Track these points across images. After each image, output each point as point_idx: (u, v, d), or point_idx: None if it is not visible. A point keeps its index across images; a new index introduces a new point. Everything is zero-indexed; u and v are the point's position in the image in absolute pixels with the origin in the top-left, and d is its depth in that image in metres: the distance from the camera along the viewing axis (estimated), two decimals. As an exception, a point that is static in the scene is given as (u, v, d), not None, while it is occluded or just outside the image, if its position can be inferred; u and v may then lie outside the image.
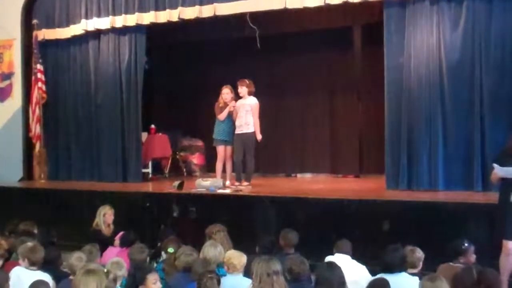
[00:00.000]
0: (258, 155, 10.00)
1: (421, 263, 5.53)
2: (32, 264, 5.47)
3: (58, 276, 5.42)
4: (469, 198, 7.76)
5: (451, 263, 5.60)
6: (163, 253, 6.16)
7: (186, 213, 8.69)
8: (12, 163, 11.95)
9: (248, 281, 4.81)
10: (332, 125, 12.60)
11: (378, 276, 5.02)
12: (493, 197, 7.81)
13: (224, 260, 5.43)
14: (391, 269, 5.04)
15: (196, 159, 13.06)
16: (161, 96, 13.73)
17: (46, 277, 5.19)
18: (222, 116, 9.73)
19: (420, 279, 5.07)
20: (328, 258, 5.61)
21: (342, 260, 5.59)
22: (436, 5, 8.72)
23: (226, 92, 9.77)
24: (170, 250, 5.96)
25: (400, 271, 5.09)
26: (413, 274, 5.19)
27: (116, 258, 5.68)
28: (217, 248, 5.71)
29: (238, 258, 5.31)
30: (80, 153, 11.67)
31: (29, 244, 5.68)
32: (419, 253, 5.53)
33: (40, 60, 11.72)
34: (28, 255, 5.51)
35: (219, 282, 4.68)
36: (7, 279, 4.89)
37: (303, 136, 12.85)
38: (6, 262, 6.01)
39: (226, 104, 9.72)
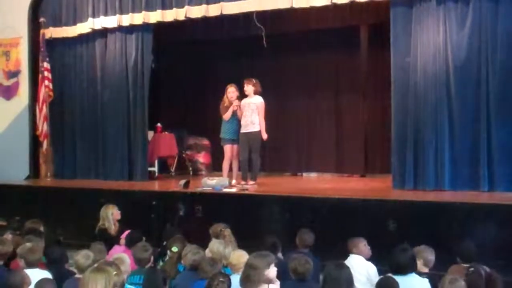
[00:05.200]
0: (264, 154, 10.01)
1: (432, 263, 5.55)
2: (29, 264, 5.45)
3: (63, 275, 5.42)
4: (475, 198, 7.73)
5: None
6: (168, 252, 6.17)
7: (192, 212, 8.70)
8: (18, 161, 11.99)
9: None
10: (338, 125, 12.57)
11: (386, 275, 5.01)
12: (499, 197, 7.84)
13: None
14: (401, 270, 5.02)
15: (202, 158, 13.07)
16: (168, 95, 13.72)
17: (46, 275, 5.18)
18: (226, 116, 9.76)
19: (429, 280, 5.08)
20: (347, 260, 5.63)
21: (357, 261, 5.65)
22: (442, 5, 8.70)
23: (231, 91, 9.80)
24: (174, 249, 5.96)
25: (410, 272, 5.07)
26: (422, 275, 5.17)
27: (118, 254, 5.69)
28: (225, 247, 5.72)
29: (237, 258, 5.30)
30: (86, 152, 11.70)
31: (28, 244, 5.66)
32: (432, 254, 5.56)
33: (47, 59, 11.74)
34: (26, 256, 5.50)
35: (229, 286, 4.66)
36: (23, 280, 4.85)
37: (309, 135, 12.83)
38: (12, 261, 6.02)
39: (231, 103, 9.73)
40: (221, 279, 4.63)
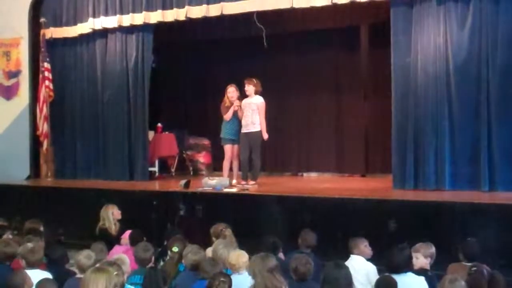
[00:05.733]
0: (264, 154, 9.99)
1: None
2: (30, 265, 5.44)
3: (64, 275, 5.41)
4: (476, 198, 7.72)
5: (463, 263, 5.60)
6: (169, 252, 6.17)
7: (192, 212, 8.71)
8: (19, 161, 11.98)
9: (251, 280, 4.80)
10: (338, 125, 12.57)
11: (385, 274, 5.02)
12: (499, 197, 7.84)
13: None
14: (398, 269, 5.04)
15: (202, 158, 13.07)
16: (168, 95, 13.72)
17: (46, 275, 5.17)
18: (227, 116, 9.77)
19: (426, 279, 5.09)
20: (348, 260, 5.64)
21: (357, 262, 5.66)
22: (443, 5, 8.70)
23: (231, 91, 9.81)
24: (175, 249, 5.95)
25: (406, 271, 5.08)
26: (419, 274, 5.18)
27: (118, 255, 5.69)
28: (229, 248, 5.73)
29: (236, 257, 5.31)
30: (87, 152, 11.70)
31: (29, 245, 5.66)
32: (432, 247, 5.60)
33: (48, 59, 11.73)
34: (27, 256, 5.50)
35: (230, 286, 4.66)
36: (25, 281, 4.85)
37: (309, 135, 12.82)
38: (12, 261, 6.02)
39: (231, 103, 9.74)
40: (222, 279, 4.63)
